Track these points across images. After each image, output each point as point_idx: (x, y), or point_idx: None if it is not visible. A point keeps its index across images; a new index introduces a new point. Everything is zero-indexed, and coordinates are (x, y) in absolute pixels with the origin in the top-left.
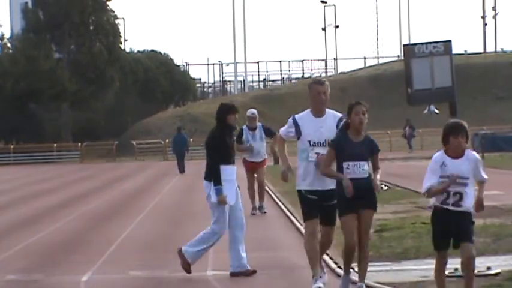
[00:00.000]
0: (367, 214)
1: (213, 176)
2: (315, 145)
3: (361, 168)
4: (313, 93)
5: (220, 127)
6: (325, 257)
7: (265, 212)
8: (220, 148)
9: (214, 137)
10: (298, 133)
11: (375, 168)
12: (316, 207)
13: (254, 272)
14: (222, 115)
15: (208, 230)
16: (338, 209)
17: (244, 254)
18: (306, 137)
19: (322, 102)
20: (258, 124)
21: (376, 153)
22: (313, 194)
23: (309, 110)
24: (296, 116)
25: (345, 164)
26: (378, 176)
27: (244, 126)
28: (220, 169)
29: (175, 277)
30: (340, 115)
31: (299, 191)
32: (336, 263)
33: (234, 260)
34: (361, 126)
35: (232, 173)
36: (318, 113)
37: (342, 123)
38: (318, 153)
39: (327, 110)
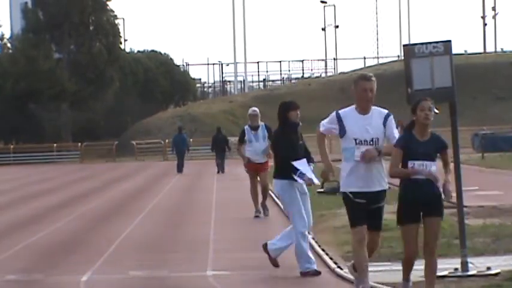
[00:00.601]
0: (433, 222)
1: (290, 170)
2: (361, 143)
3: (427, 169)
4: (358, 89)
5: (282, 126)
6: (325, 257)
7: (265, 216)
8: (286, 147)
9: (278, 137)
10: (342, 131)
11: (444, 165)
12: (364, 211)
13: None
14: (282, 113)
15: (294, 235)
16: (398, 215)
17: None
18: (351, 135)
19: (368, 100)
20: (261, 124)
21: (444, 149)
22: (360, 196)
23: (353, 106)
24: (340, 112)
25: (410, 163)
26: (450, 178)
27: (246, 127)
28: (293, 164)
29: (175, 277)
30: (386, 112)
31: (344, 194)
32: (335, 263)
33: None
34: (426, 121)
35: (304, 162)
36: (364, 110)
37: (390, 118)
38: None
39: (372, 106)
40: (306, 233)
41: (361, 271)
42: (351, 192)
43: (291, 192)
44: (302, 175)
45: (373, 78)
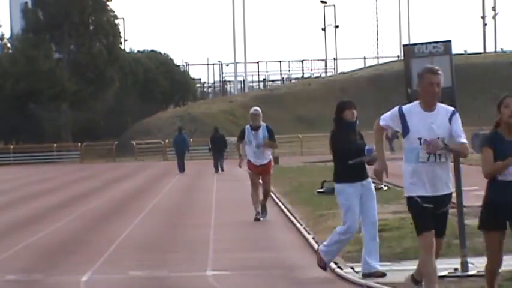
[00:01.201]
0: None
1: (347, 172)
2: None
3: None
4: (424, 83)
5: (337, 126)
6: None
7: (263, 218)
8: (343, 147)
9: (335, 138)
10: (406, 129)
11: None
12: (431, 216)
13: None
14: (337, 114)
15: (339, 229)
16: (481, 219)
17: (369, 258)
18: (415, 134)
19: (435, 95)
20: (262, 124)
21: None
22: (427, 201)
23: (417, 102)
24: (404, 108)
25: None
26: None
27: (247, 126)
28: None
29: (175, 277)
30: (452, 109)
31: (410, 198)
32: (335, 263)
33: (363, 263)
34: (511, 120)
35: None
36: (429, 107)
37: (456, 115)
38: (429, 154)
39: (438, 103)
40: (351, 237)
41: (430, 283)
42: (418, 197)
43: (348, 193)
44: (370, 150)
45: (441, 72)
